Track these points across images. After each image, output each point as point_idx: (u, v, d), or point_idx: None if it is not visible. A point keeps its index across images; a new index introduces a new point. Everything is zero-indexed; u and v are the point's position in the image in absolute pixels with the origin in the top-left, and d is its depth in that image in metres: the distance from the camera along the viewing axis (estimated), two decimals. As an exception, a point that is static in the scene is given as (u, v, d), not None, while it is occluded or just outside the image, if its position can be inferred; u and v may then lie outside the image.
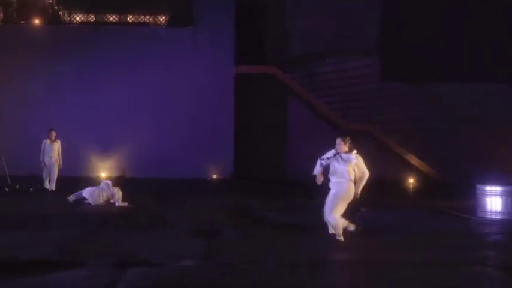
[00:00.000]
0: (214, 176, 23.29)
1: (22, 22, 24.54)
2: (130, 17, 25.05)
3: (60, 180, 18.62)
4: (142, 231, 11.90)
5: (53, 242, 10.35)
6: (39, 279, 8.01)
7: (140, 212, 14.41)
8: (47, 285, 7.79)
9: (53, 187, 18.31)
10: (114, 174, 22.63)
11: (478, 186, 14.46)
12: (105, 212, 14.21)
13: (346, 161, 10.06)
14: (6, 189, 17.81)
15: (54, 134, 18.45)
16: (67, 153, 19.65)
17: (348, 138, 10.27)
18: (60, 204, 15.61)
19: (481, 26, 23.91)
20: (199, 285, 7.86)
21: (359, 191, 10.20)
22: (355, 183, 10.15)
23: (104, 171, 22.69)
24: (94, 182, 20.96)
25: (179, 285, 7.89)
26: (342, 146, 10.14)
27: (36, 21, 24.21)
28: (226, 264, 9.10)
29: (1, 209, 14.51)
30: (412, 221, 13.67)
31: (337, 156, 10.11)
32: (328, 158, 10.16)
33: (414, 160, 24.88)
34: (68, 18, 24.69)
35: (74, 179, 20.73)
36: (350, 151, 10.15)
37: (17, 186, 18.10)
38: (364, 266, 9.20)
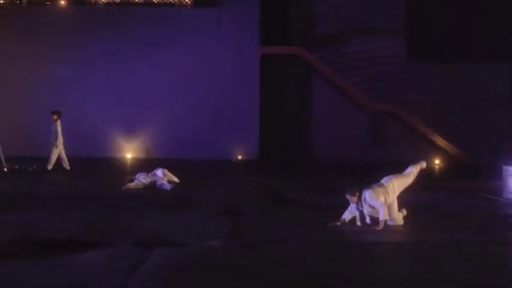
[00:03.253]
0: (240, 157, 23.32)
1: (48, 3, 24.64)
2: (155, -3, 24.93)
3: (88, 161, 18.74)
4: (168, 211, 11.99)
5: (77, 222, 10.45)
6: (65, 259, 8.10)
7: (167, 193, 14.50)
8: (73, 265, 7.86)
9: (48, 167, 18.07)
10: (139, 155, 22.89)
11: (505, 167, 14.36)
12: (131, 193, 14.32)
13: (367, 202, 10.25)
14: (5, 169, 17.77)
15: (53, 116, 18.27)
16: (93, 134, 19.80)
17: (353, 190, 10.39)
18: (78, 185, 15.71)
19: (508, 5, 23.57)
20: (224, 266, 7.91)
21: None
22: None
23: (130, 152, 22.82)
24: (118, 162, 21.26)
25: (204, 265, 7.94)
26: (353, 198, 10.32)
27: (62, 2, 24.28)
28: (251, 244, 9.16)
29: (19, 190, 14.57)
30: (438, 202, 13.60)
31: (359, 205, 10.33)
32: (352, 212, 10.45)
33: (440, 141, 24.68)
34: (94, -1, 24.72)
35: (100, 159, 20.99)
36: (359, 199, 10.29)
37: (16, 167, 18.04)
38: (389, 247, 9.21)
